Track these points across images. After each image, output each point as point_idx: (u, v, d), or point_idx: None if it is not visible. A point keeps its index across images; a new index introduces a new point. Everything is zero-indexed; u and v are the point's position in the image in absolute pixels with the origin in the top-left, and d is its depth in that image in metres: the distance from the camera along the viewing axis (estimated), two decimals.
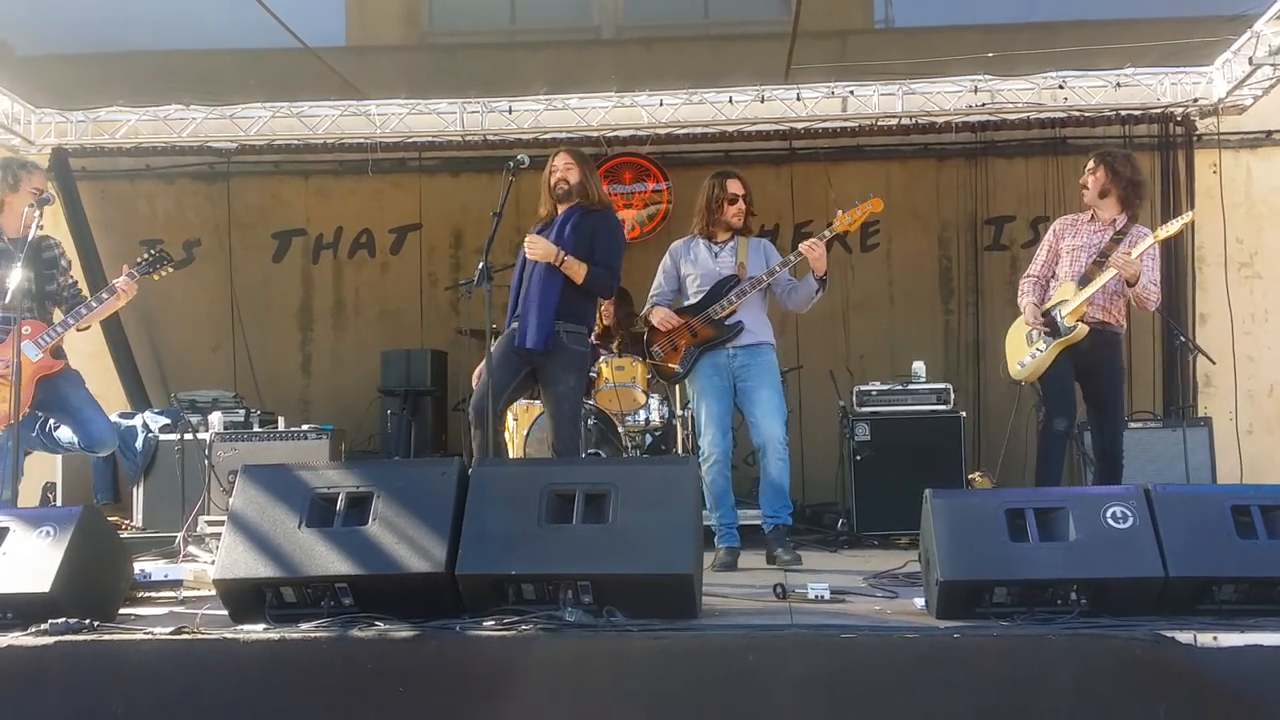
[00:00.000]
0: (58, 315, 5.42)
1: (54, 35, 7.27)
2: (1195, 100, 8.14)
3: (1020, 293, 5.77)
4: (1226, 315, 8.06)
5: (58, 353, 5.33)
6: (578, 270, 5.27)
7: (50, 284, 5.38)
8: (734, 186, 5.75)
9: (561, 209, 5.44)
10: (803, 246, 5.50)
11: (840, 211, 5.64)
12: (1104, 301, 5.48)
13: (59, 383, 5.31)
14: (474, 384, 5.46)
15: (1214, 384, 8.08)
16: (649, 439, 7.53)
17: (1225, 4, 6.91)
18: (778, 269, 5.60)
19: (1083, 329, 5.39)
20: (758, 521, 5.79)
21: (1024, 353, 5.63)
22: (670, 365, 5.81)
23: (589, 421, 7.00)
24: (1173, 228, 5.37)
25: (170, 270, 5.58)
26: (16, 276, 4.98)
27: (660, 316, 5.77)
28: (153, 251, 5.52)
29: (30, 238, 5.14)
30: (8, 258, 5.19)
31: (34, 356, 5.15)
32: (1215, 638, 3.33)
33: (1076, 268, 5.53)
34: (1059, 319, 5.47)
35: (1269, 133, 8.33)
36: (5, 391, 5.02)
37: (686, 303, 5.81)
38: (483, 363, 5.32)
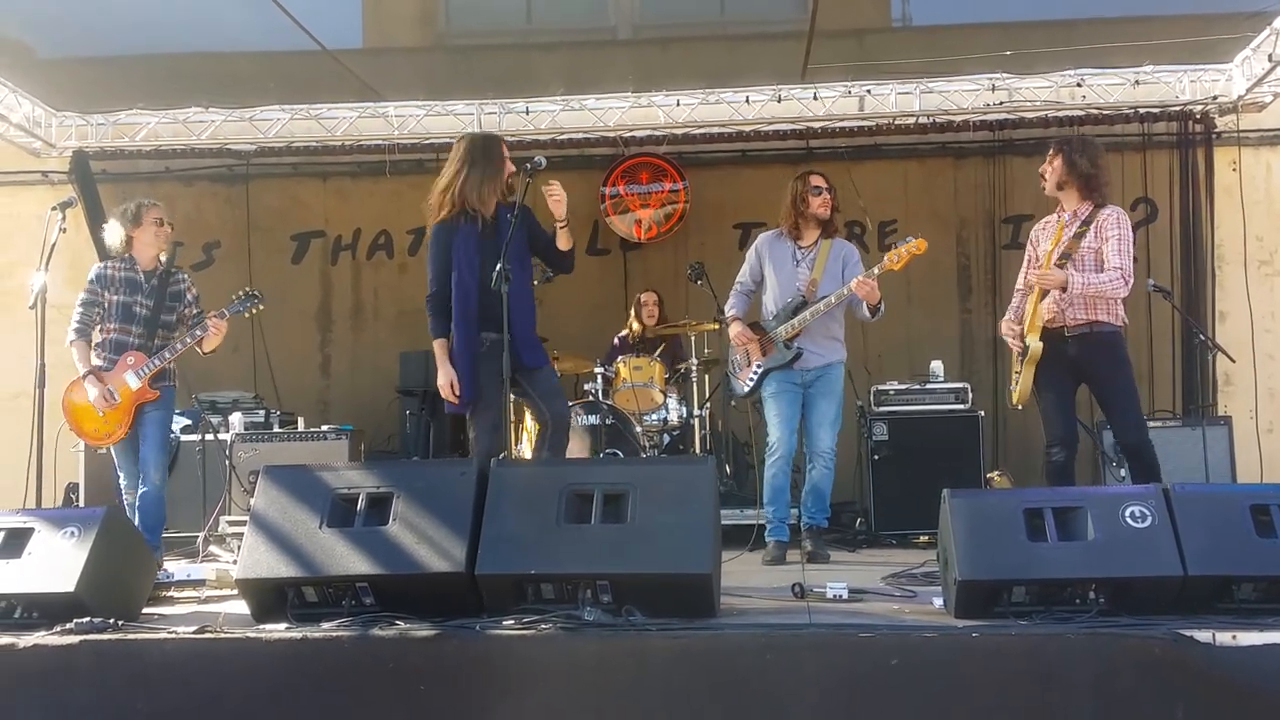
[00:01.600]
0: (162, 340, 5.70)
1: (74, 38, 7.34)
2: (1214, 98, 8.09)
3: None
4: (1246, 313, 8.01)
5: (163, 375, 5.65)
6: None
7: (169, 315, 5.71)
8: (817, 180, 5.85)
9: (483, 212, 5.06)
10: (853, 285, 5.57)
11: (890, 251, 5.70)
12: (1083, 300, 5.18)
13: (150, 409, 5.60)
14: (448, 394, 5.05)
15: (1234, 382, 8.03)
16: (667, 439, 7.55)
17: (1245, 1, 6.87)
18: (833, 300, 5.66)
19: (1037, 346, 5.18)
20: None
21: (1011, 376, 5.47)
22: (740, 380, 5.96)
23: (606, 421, 7.03)
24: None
25: (261, 309, 6.01)
26: (39, 281, 5.19)
27: (734, 332, 5.88)
28: (245, 291, 5.97)
29: (53, 242, 5.32)
30: (136, 287, 5.63)
31: (134, 385, 5.53)
32: (1234, 636, 3.33)
33: None
34: (1025, 340, 5.30)
35: None
36: (111, 415, 5.51)
37: (764, 310, 5.92)
38: (443, 373, 5.06)
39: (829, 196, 5.81)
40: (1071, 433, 5.29)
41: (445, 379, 5.04)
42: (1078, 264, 5.17)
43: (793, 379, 5.76)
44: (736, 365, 5.99)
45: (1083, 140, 5.53)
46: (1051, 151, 5.39)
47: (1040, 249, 5.40)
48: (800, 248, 5.84)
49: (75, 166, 8.71)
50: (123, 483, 5.73)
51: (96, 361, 5.58)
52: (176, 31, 7.12)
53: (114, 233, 5.72)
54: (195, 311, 5.82)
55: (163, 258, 5.79)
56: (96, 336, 5.63)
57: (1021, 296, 5.52)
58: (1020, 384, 5.30)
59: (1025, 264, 5.55)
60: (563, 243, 5.15)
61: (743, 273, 6.00)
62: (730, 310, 5.97)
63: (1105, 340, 5.20)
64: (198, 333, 5.62)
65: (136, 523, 5.35)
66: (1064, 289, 5.08)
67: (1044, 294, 5.20)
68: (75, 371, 5.57)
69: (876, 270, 5.64)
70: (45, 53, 7.70)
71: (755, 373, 5.83)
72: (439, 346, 5.12)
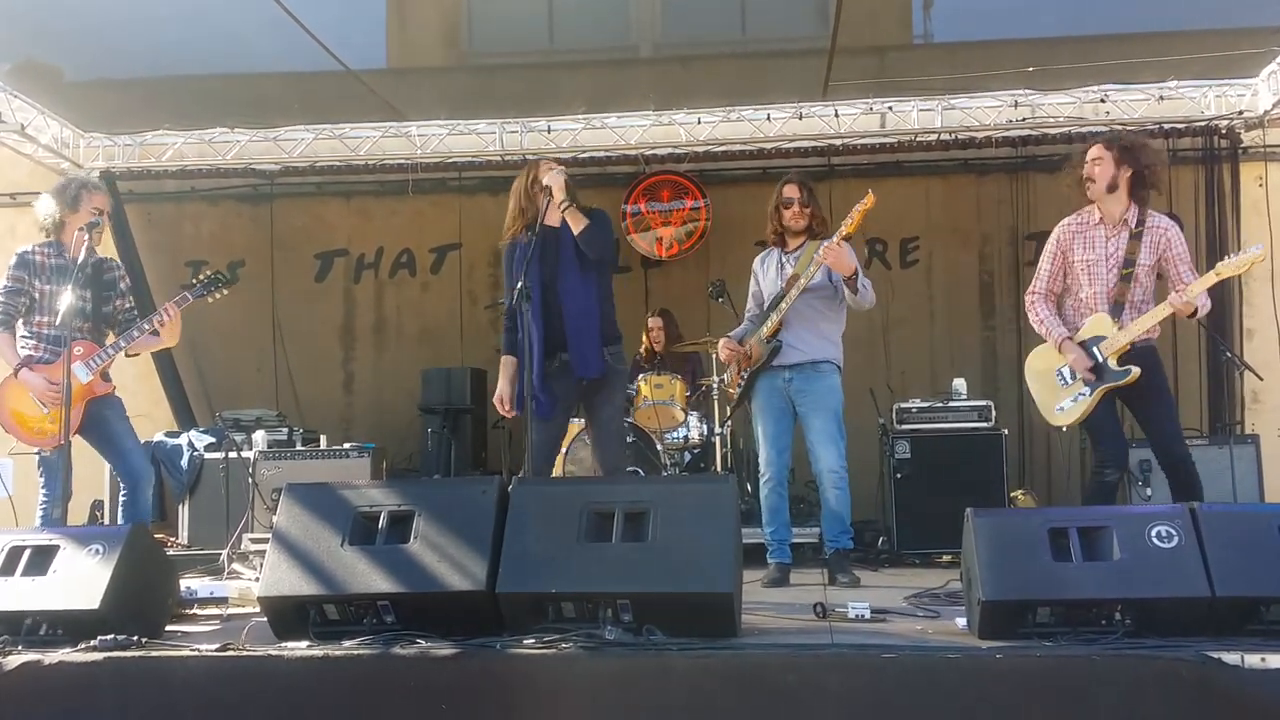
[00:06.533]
0: (111, 338, 5.43)
1: (101, 61, 7.43)
2: (1240, 112, 8.05)
3: (1034, 315, 5.24)
4: (1274, 330, 7.92)
5: (107, 376, 5.32)
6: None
7: (106, 306, 5.40)
8: (789, 190, 5.69)
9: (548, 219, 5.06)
10: (820, 252, 5.34)
11: (845, 219, 5.39)
12: (1131, 319, 5.00)
13: (104, 408, 5.30)
14: (499, 408, 5.16)
15: (1261, 400, 7.95)
16: (688, 457, 7.54)
17: (1271, 15, 6.83)
18: (803, 283, 5.48)
19: (1135, 372, 4.89)
20: (801, 539, 5.80)
21: (1058, 395, 5.12)
22: (731, 390, 5.90)
23: (628, 439, 7.03)
24: (1242, 265, 4.81)
25: (225, 293, 5.52)
26: (68, 298, 4.99)
27: (721, 345, 5.84)
28: (209, 273, 5.51)
29: (82, 259, 5.14)
30: (67, 275, 5.15)
31: (84, 378, 5.15)
32: (1263, 659, 3.28)
33: (1099, 287, 5.03)
34: (1102, 359, 4.97)
35: None
36: (54, 413, 5.04)
37: None
38: (500, 385, 5.13)
39: (800, 208, 5.64)
40: (1125, 453, 5.20)
41: (497, 394, 5.17)
42: (1138, 277, 5.01)
43: (777, 384, 5.58)
44: (727, 380, 5.94)
45: (1134, 136, 5.20)
46: (1099, 149, 5.03)
47: (1075, 256, 5.11)
48: (786, 253, 5.73)
49: None
50: (43, 497, 5.12)
51: (32, 354, 5.19)
52: (202, 53, 7.19)
53: (45, 209, 5.27)
54: (128, 305, 5.46)
55: (84, 248, 5.24)
56: (23, 330, 5.22)
57: (1049, 303, 5.21)
58: (1083, 406, 5.01)
59: (1048, 264, 5.21)
60: (573, 224, 5.00)
61: (749, 302, 5.91)
62: (728, 334, 5.87)
63: (1147, 353, 5.05)
64: (145, 325, 5.21)
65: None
66: (1194, 314, 4.92)
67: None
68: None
69: (835, 238, 5.34)
70: (73, 75, 7.80)
71: (744, 378, 5.71)
72: (503, 362, 5.19)
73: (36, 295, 5.21)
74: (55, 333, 5.15)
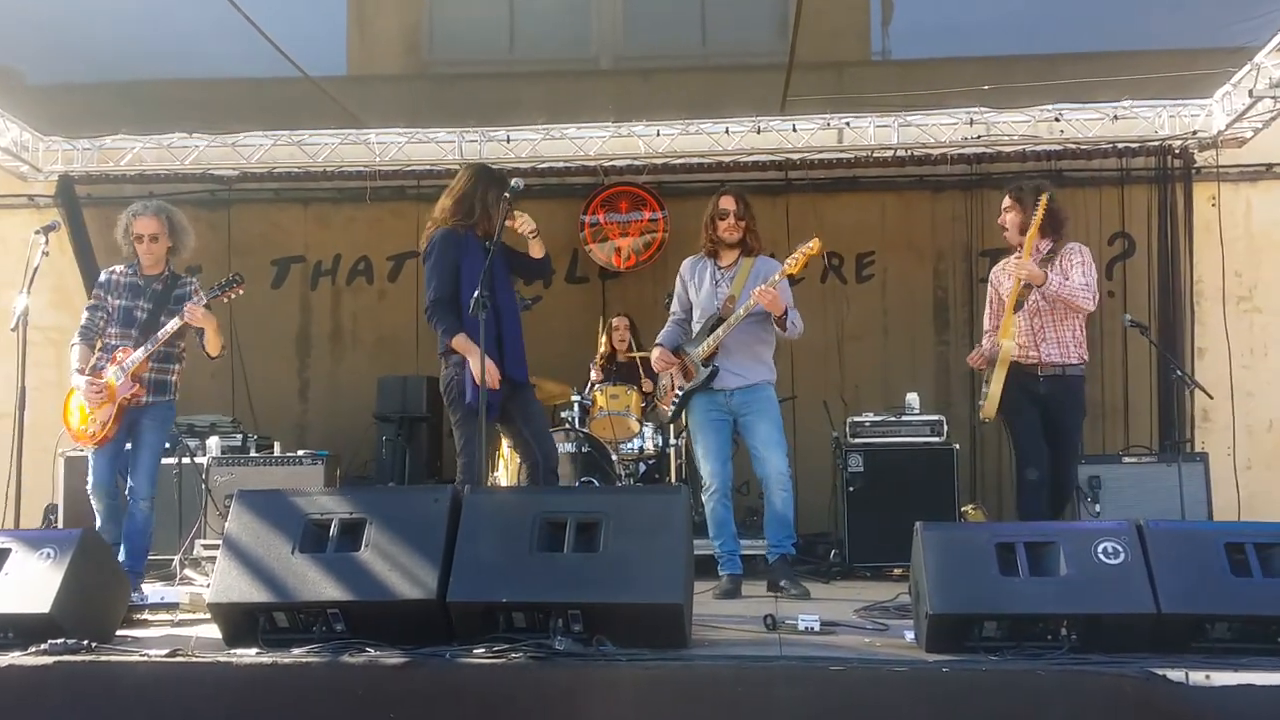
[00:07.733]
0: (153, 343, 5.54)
1: (62, 64, 7.33)
2: (1194, 133, 8.11)
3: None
4: (1225, 349, 8.02)
5: (159, 387, 5.55)
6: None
7: (170, 318, 5.52)
8: (725, 202, 5.71)
9: (479, 232, 5.33)
10: (755, 294, 5.43)
11: (789, 259, 5.53)
12: (1053, 332, 5.45)
13: (142, 418, 5.51)
14: (492, 379, 5.04)
15: (1211, 419, 8.03)
16: (643, 468, 7.55)
17: (1225, 36, 6.87)
18: (741, 314, 5.50)
19: (1009, 346, 5.39)
20: (754, 551, 5.80)
21: (982, 393, 5.65)
22: (664, 405, 5.89)
23: (583, 449, 7.02)
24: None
25: (241, 292, 5.77)
26: (21, 304, 5.23)
27: (655, 356, 5.82)
28: (226, 277, 5.75)
29: (36, 265, 5.34)
30: (138, 292, 5.58)
31: (116, 380, 5.40)
32: (1208, 676, 3.32)
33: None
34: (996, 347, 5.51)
35: (1269, 166, 8.27)
36: (97, 414, 5.37)
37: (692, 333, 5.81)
38: (485, 362, 5.09)
39: (735, 221, 5.67)
40: (1040, 452, 5.50)
41: (490, 365, 5.01)
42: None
43: (716, 403, 5.63)
44: (663, 390, 5.95)
45: (1035, 183, 5.73)
46: (1008, 199, 5.62)
47: (1004, 288, 5.59)
48: (720, 267, 5.74)
49: (61, 191, 8.71)
50: (91, 479, 5.48)
51: (98, 362, 5.49)
52: (162, 58, 7.11)
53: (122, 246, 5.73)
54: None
55: (170, 263, 5.72)
56: (100, 342, 5.55)
57: (991, 339, 5.67)
58: (990, 393, 5.45)
59: (988, 306, 5.75)
60: (536, 250, 5.41)
61: (673, 308, 5.92)
62: (658, 340, 5.88)
63: (1073, 385, 5.51)
64: (176, 321, 5.41)
65: (111, 539, 5.23)
66: (1042, 283, 5.26)
67: (1019, 302, 5.42)
68: (54, 390, 5.52)
69: (776, 277, 5.48)
70: (34, 78, 7.70)
71: (678, 395, 5.73)
72: (464, 340, 5.21)
73: (111, 310, 5.57)
74: (118, 343, 5.49)
